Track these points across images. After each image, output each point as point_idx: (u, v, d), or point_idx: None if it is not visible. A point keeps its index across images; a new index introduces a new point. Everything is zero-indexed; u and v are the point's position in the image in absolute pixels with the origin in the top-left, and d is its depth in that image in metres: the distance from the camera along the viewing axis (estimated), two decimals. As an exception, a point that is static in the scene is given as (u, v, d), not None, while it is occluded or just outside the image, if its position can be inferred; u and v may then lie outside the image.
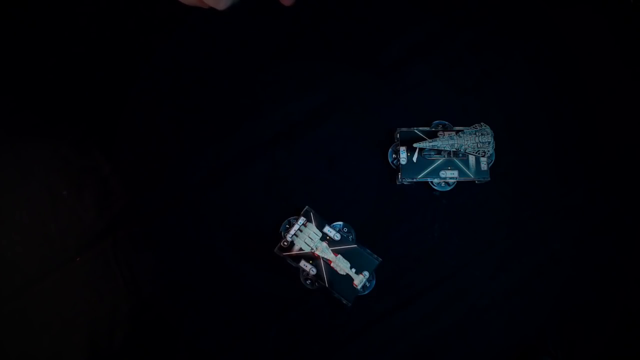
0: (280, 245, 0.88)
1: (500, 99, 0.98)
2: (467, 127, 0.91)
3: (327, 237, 0.88)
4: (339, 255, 0.87)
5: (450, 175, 0.92)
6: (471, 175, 0.92)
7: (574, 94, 0.98)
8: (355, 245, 0.88)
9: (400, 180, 0.92)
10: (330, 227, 0.89)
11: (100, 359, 0.90)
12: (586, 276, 0.92)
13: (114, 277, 0.93)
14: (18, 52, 1.01)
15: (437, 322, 0.91)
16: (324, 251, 0.87)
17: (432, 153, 0.92)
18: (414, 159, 0.92)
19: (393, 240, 0.94)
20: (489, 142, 0.90)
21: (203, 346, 0.91)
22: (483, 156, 0.92)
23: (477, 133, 0.90)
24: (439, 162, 0.92)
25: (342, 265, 0.87)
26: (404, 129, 0.93)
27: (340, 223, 0.91)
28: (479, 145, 0.90)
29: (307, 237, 0.88)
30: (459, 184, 0.93)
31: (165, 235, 0.93)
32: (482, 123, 0.91)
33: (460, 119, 0.94)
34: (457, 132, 0.92)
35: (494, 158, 0.93)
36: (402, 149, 0.92)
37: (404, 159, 0.92)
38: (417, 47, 1.00)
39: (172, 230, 0.94)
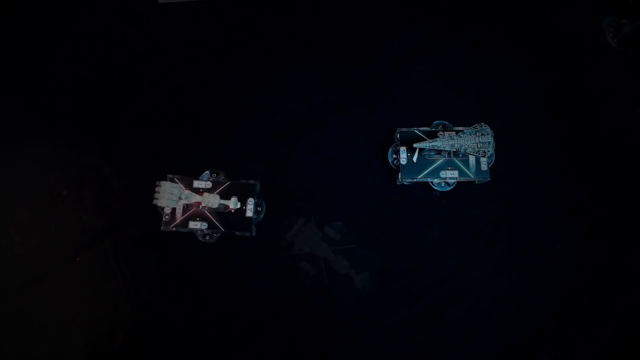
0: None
1: (500, 99, 0.98)
2: (467, 127, 0.91)
3: None
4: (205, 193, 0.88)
5: (451, 175, 0.92)
6: (471, 175, 0.92)
7: (574, 94, 0.98)
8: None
9: (400, 180, 0.92)
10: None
11: (100, 359, 0.90)
12: (586, 276, 0.92)
13: (114, 277, 0.93)
14: (18, 53, 1.01)
15: (437, 322, 0.91)
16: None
17: (432, 153, 0.92)
18: (414, 159, 0.92)
19: (393, 241, 0.93)
20: (489, 142, 0.90)
21: (203, 346, 0.91)
22: (483, 156, 0.92)
23: (477, 133, 0.90)
24: (439, 162, 0.92)
25: (212, 201, 0.87)
26: (404, 129, 0.93)
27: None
28: (479, 145, 0.90)
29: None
30: (459, 184, 0.93)
31: (165, 235, 0.93)
32: (482, 123, 0.91)
33: (460, 119, 0.94)
34: (457, 132, 0.92)
35: (494, 158, 0.93)
36: (402, 149, 0.92)
37: (404, 159, 0.92)
38: (417, 47, 1.00)
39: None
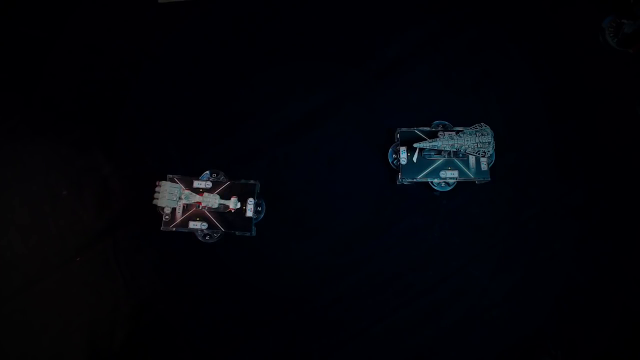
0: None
1: (500, 99, 0.98)
2: (467, 127, 0.91)
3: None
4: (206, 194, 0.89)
5: (450, 175, 0.92)
6: (471, 176, 0.92)
7: (574, 94, 0.98)
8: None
9: (400, 180, 0.92)
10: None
11: (100, 359, 0.90)
12: (586, 276, 0.92)
13: (114, 277, 0.93)
14: (19, 52, 1.01)
15: (437, 322, 0.91)
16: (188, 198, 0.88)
17: (432, 153, 0.92)
18: (414, 159, 0.92)
19: (393, 241, 0.93)
20: (489, 142, 0.90)
21: (203, 346, 0.91)
22: (483, 156, 0.92)
23: (477, 133, 0.90)
24: (439, 162, 0.92)
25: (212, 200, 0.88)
26: (404, 129, 0.93)
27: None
28: (479, 146, 0.90)
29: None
30: (459, 184, 0.93)
31: (165, 235, 0.93)
32: (482, 123, 0.91)
33: (460, 119, 0.94)
34: (457, 132, 0.92)
35: (494, 158, 0.93)
36: (402, 149, 0.92)
37: (404, 159, 0.92)
38: (417, 47, 1.00)
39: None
